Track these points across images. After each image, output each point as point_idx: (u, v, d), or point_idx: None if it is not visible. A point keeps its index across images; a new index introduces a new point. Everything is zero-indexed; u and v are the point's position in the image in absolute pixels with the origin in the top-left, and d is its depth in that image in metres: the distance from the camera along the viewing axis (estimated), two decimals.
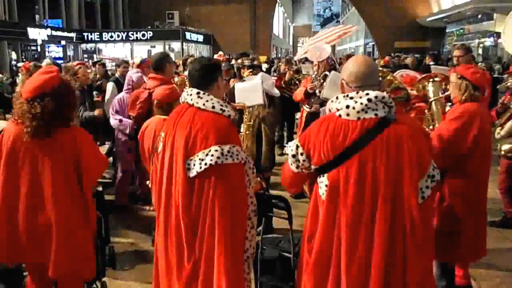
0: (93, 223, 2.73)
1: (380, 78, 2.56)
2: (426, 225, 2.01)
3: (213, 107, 2.28)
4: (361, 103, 1.97)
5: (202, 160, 2.20)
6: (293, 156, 2.17)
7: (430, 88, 3.38)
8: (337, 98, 2.06)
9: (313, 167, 2.12)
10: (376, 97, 1.97)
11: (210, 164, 2.18)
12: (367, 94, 1.98)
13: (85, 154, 2.57)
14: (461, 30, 21.74)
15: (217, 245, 2.19)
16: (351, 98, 2.00)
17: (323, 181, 2.06)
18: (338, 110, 2.03)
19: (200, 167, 2.20)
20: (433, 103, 3.28)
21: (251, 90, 3.90)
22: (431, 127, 3.20)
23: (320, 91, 5.24)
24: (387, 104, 2.00)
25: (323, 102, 5.11)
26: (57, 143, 2.49)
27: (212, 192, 2.20)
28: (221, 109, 2.30)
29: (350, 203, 1.97)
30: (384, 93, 2.02)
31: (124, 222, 4.89)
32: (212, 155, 2.18)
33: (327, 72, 5.27)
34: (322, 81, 5.28)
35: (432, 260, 2.17)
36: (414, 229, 1.95)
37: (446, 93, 3.20)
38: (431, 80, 3.42)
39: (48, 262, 2.52)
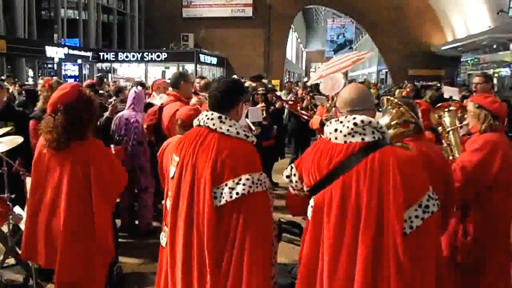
0: (103, 239, 2.72)
1: (391, 109, 2.48)
2: (416, 259, 1.84)
3: (238, 133, 2.21)
4: (347, 127, 1.97)
5: (233, 189, 2.11)
6: (287, 177, 2.22)
7: (446, 118, 3.30)
8: (330, 122, 2.07)
9: (305, 188, 2.13)
10: (362, 121, 1.97)
11: (243, 194, 2.10)
12: (354, 118, 1.98)
13: (98, 168, 2.65)
14: (476, 60, 21.66)
15: (247, 277, 2.09)
16: (341, 122, 2.03)
17: (310, 203, 2.08)
18: (330, 133, 2.04)
19: (231, 196, 2.11)
20: (450, 132, 3.20)
21: None
22: (450, 157, 3.11)
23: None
24: (377, 129, 1.98)
25: None
26: (70, 156, 2.65)
27: (242, 221, 2.11)
28: (245, 135, 2.23)
29: (332, 226, 1.95)
30: (372, 118, 2.00)
31: (132, 243, 4.82)
32: (244, 184, 2.11)
33: None
34: None
35: None
36: (398, 260, 1.82)
37: (464, 123, 3.13)
38: (446, 110, 3.34)
39: (55, 267, 2.65)
